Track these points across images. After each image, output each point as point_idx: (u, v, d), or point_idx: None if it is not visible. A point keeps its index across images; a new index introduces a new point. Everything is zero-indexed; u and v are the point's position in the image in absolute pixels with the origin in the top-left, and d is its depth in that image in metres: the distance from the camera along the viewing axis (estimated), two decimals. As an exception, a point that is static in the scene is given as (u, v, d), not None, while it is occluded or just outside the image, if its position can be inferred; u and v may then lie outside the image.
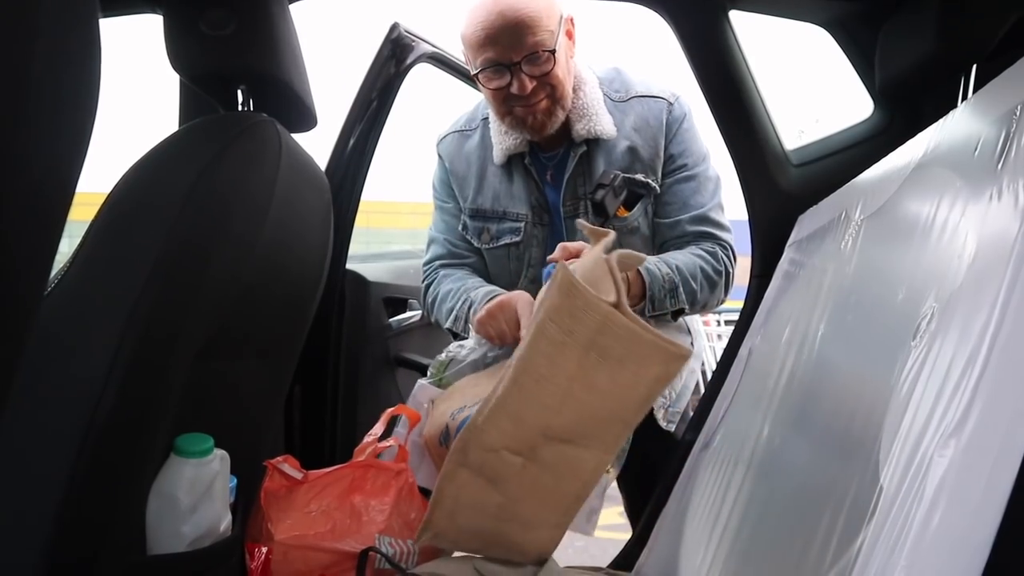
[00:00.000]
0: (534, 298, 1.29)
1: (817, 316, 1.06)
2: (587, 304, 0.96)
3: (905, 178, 0.96)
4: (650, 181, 1.44)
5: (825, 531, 0.72)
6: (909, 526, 0.55)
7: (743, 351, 1.37)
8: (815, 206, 1.36)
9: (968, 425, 0.55)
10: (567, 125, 1.43)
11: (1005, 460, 0.52)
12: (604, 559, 1.49)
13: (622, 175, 1.40)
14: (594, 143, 1.43)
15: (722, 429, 1.27)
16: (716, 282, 1.41)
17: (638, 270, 1.32)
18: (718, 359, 1.56)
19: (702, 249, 1.42)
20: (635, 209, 1.44)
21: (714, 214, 1.45)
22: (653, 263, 1.35)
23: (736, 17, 1.42)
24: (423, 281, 1.58)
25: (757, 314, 1.38)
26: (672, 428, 1.45)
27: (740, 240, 1.51)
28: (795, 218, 1.42)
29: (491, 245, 1.51)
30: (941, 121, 0.94)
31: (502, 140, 1.46)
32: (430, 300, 1.54)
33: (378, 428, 1.31)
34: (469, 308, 1.42)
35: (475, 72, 1.38)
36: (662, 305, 1.36)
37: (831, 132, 1.52)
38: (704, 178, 1.46)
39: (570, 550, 2.70)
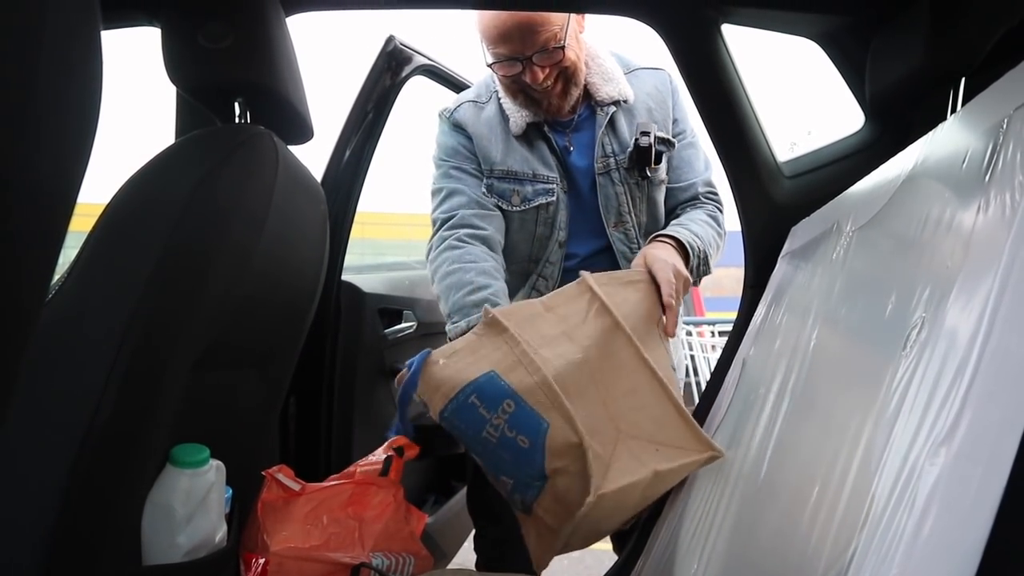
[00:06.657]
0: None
1: (810, 327, 1.07)
2: None
3: (895, 190, 0.98)
4: (671, 139, 1.52)
5: (818, 539, 0.72)
6: (901, 534, 0.55)
7: (737, 362, 1.37)
8: (807, 218, 1.37)
9: (958, 434, 0.55)
10: (586, 90, 1.48)
11: (995, 468, 0.53)
12: (600, 569, 1.49)
13: (656, 129, 1.48)
14: (618, 105, 1.50)
15: (716, 439, 1.27)
16: (720, 245, 1.50)
17: (683, 243, 1.37)
18: (712, 370, 1.57)
19: (707, 214, 1.51)
20: (662, 163, 1.52)
21: (713, 179, 1.57)
22: (687, 237, 1.40)
23: (729, 31, 1.43)
24: (442, 229, 1.44)
25: (751, 325, 1.39)
26: None
27: (733, 251, 1.53)
28: (788, 229, 1.43)
29: (523, 207, 1.48)
30: (930, 134, 0.95)
31: (518, 110, 1.48)
32: (449, 260, 1.40)
33: (380, 453, 1.30)
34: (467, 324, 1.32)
35: (489, 64, 1.42)
36: (697, 275, 1.41)
37: (823, 144, 1.53)
38: (699, 147, 1.57)
39: (565, 561, 2.69)
